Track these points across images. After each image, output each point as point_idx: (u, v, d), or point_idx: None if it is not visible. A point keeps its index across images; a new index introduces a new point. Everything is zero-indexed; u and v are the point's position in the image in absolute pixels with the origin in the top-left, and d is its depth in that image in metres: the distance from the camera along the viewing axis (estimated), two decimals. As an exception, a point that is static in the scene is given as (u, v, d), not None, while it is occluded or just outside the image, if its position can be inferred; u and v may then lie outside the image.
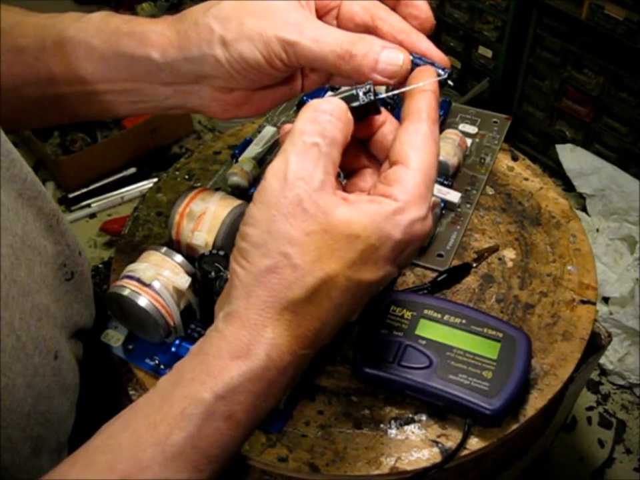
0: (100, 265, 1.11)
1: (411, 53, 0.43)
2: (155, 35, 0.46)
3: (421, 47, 0.43)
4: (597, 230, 1.15)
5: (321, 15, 0.46)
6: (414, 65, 0.42)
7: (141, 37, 0.46)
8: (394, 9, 0.45)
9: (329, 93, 0.74)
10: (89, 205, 1.27)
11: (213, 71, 0.46)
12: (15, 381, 0.42)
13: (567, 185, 1.25)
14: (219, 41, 0.44)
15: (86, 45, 0.47)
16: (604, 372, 0.99)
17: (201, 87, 0.47)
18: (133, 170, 1.32)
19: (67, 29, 0.48)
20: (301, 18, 0.43)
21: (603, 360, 0.98)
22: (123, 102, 0.50)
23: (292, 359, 0.37)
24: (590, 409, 0.95)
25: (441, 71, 0.42)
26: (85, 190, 1.29)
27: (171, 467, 0.35)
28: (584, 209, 1.22)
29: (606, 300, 1.05)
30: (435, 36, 1.40)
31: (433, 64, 0.42)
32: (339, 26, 0.46)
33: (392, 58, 0.42)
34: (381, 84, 0.42)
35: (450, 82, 0.43)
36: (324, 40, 0.42)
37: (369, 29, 0.44)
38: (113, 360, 0.55)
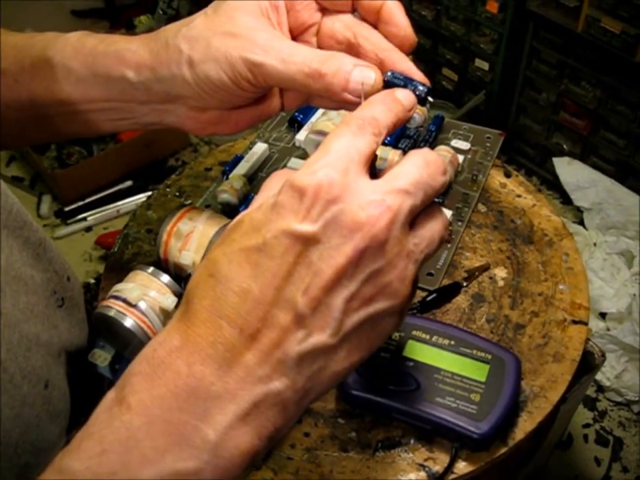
0: (92, 281, 1.11)
1: (389, 71, 0.41)
2: (129, 54, 0.46)
3: (401, 66, 0.42)
4: (594, 244, 1.15)
5: (298, 33, 0.46)
6: (391, 85, 0.41)
7: (116, 55, 0.46)
8: (375, 26, 0.44)
9: (321, 110, 0.74)
10: (84, 219, 1.26)
11: (183, 91, 0.46)
12: (2, 413, 0.41)
13: (564, 198, 1.24)
14: (186, 62, 0.44)
15: (63, 66, 0.47)
16: (601, 389, 0.98)
17: (176, 105, 0.47)
18: (129, 183, 1.32)
19: (45, 50, 0.48)
20: (269, 37, 0.42)
21: (599, 376, 0.97)
22: (103, 120, 0.50)
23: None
24: (587, 426, 0.94)
25: (420, 87, 0.41)
26: (81, 203, 1.29)
27: None
28: (581, 223, 1.21)
29: (603, 315, 1.04)
30: (431, 48, 1.40)
31: (412, 81, 0.42)
32: (320, 43, 0.45)
33: (364, 77, 0.41)
34: (352, 104, 0.40)
35: (430, 98, 0.42)
36: (291, 60, 0.41)
37: (351, 47, 0.44)
38: (101, 380, 0.55)
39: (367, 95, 0.40)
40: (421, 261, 0.36)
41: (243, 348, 0.33)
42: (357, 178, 0.34)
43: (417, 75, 0.42)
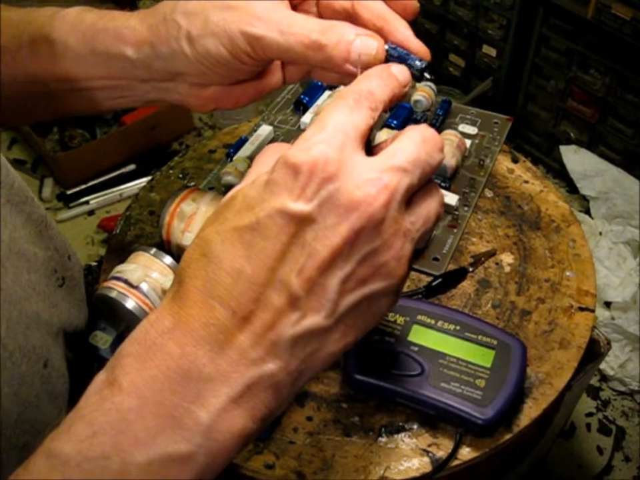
0: (93, 264, 1.11)
1: (387, 42, 0.40)
2: (127, 31, 0.45)
3: (399, 36, 0.41)
4: (600, 233, 1.14)
5: (298, 2, 0.45)
6: (388, 56, 0.40)
7: (114, 33, 0.46)
8: None
9: (327, 92, 0.73)
10: (87, 202, 1.26)
11: (184, 67, 0.45)
12: (0, 391, 0.41)
13: (571, 187, 1.23)
14: (185, 37, 0.43)
15: (62, 43, 0.47)
16: (604, 378, 0.98)
17: (177, 83, 0.47)
18: (132, 167, 1.31)
19: (43, 27, 0.47)
20: (267, 8, 0.41)
21: (603, 366, 0.97)
22: (104, 98, 0.49)
23: None
24: (589, 415, 0.94)
25: (417, 62, 0.40)
26: (83, 186, 1.28)
27: None
28: (587, 212, 1.20)
29: (608, 304, 1.03)
30: (438, 34, 1.39)
31: (409, 55, 0.40)
32: (319, 13, 0.44)
33: (365, 47, 0.39)
34: (355, 76, 0.39)
35: (427, 74, 0.40)
36: (290, 31, 0.40)
37: (349, 16, 0.42)
38: (100, 362, 0.54)
39: (369, 66, 0.39)
40: (417, 239, 0.35)
41: (236, 330, 0.32)
42: (353, 155, 0.33)
43: (415, 44, 0.41)
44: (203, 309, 0.32)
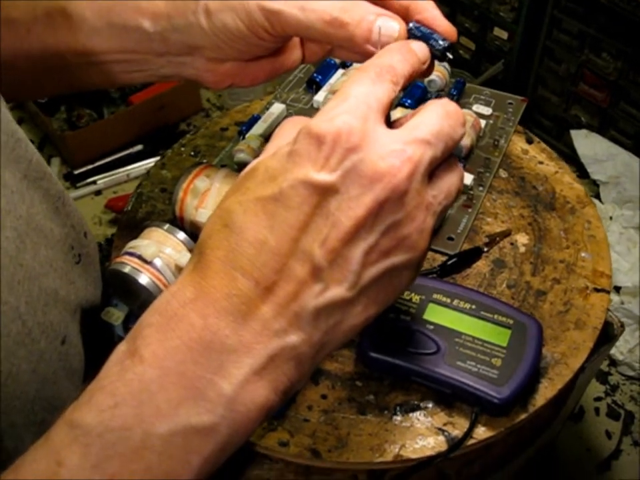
0: (103, 243, 1.10)
1: (411, 21, 0.40)
2: (145, 3, 0.45)
3: (427, 14, 0.40)
4: (611, 218, 1.13)
5: None
6: (412, 35, 0.39)
7: (132, 5, 0.45)
8: None
9: (340, 70, 0.72)
10: (94, 182, 1.25)
11: (200, 41, 0.44)
12: (19, 367, 0.41)
13: (581, 171, 1.22)
14: (203, 11, 0.43)
15: (77, 16, 0.46)
16: (613, 362, 0.97)
17: (193, 58, 0.46)
18: (139, 147, 1.30)
19: None
20: None
21: (612, 350, 0.96)
22: (119, 72, 0.49)
23: None
24: (598, 399, 0.93)
25: (441, 42, 0.39)
26: (90, 166, 1.27)
27: None
28: (597, 196, 1.19)
29: (617, 289, 1.02)
30: (449, 16, 1.37)
31: (433, 34, 0.40)
32: None
33: (386, 28, 0.39)
34: (372, 56, 0.38)
35: (449, 54, 0.40)
36: (310, 7, 0.40)
37: None
38: (113, 338, 0.54)
39: None
40: (439, 213, 0.35)
41: (259, 300, 0.32)
42: (376, 126, 0.33)
43: (443, 23, 0.40)
44: (225, 279, 0.32)
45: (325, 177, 0.31)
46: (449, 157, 0.36)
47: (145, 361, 0.31)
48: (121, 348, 0.33)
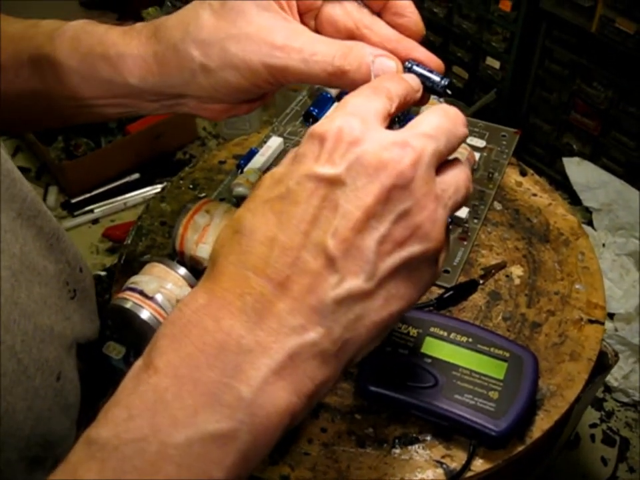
0: (102, 273, 1.11)
1: (408, 60, 0.41)
2: (131, 60, 0.44)
3: (419, 55, 0.41)
4: (603, 245, 1.14)
5: (299, 15, 0.45)
6: (409, 72, 0.41)
7: (116, 62, 0.44)
8: (379, 14, 0.43)
9: (336, 104, 0.73)
10: (91, 211, 1.26)
11: (197, 93, 0.44)
12: (15, 405, 0.40)
13: (574, 199, 1.24)
14: (201, 69, 0.42)
15: (63, 65, 0.46)
16: (608, 389, 0.98)
17: (186, 100, 0.46)
18: (136, 176, 1.31)
19: (43, 46, 0.46)
20: (286, 35, 0.41)
21: (607, 377, 0.97)
22: (110, 112, 0.49)
23: None
24: (593, 426, 0.94)
25: (442, 81, 0.41)
26: (87, 195, 1.28)
27: None
28: (590, 223, 1.21)
29: (611, 316, 1.03)
30: (442, 45, 1.40)
31: (431, 71, 0.41)
32: (318, 29, 0.44)
33: (385, 68, 0.40)
34: None
35: (448, 91, 0.41)
36: (313, 59, 0.40)
37: (353, 37, 0.42)
38: (114, 372, 0.54)
39: None
40: (450, 208, 0.35)
41: (273, 297, 0.31)
42: (376, 126, 0.34)
43: (434, 61, 0.42)
44: (238, 280, 0.31)
45: (330, 169, 0.32)
46: (454, 159, 0.37)
47: (159, 371, 0.30)
48: (138, 363, 0.32)
